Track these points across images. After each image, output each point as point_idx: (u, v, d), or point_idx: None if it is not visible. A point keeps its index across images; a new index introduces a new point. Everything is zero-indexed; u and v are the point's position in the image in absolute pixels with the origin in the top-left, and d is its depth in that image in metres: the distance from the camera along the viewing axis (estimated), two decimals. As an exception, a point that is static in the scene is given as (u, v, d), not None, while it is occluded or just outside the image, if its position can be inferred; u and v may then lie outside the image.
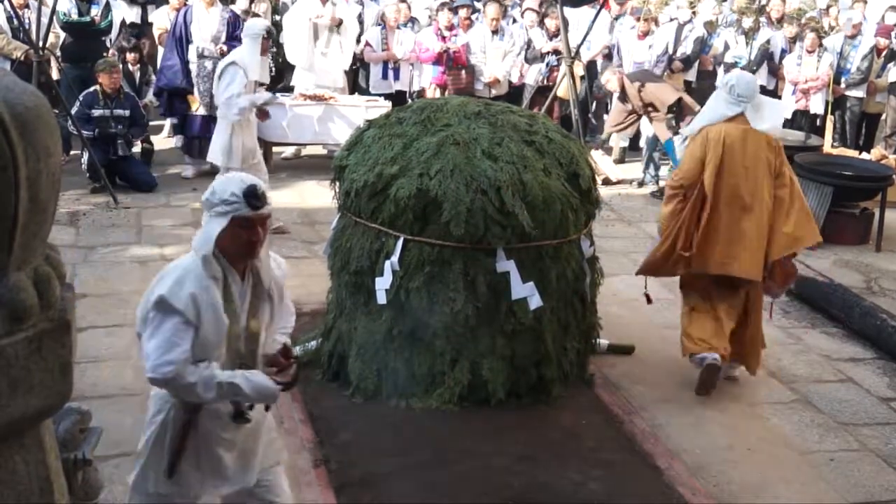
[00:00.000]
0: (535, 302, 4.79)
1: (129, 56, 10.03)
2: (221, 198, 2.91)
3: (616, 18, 11.54)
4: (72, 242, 7.19)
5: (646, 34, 10.61)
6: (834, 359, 6.01)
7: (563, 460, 4.51)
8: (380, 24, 10.39)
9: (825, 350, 6.14)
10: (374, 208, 4.86)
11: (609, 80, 9.77)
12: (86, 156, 8.47)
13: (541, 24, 10.89)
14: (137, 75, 10.09)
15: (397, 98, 10.10)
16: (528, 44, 10.65)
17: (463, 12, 10.44)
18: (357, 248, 4.93)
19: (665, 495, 4.31)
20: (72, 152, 9.16)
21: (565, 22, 9.55)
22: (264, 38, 7.12)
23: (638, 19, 10.87)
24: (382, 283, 4.81)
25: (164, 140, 10.30)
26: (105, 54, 9.44)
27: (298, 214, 8.18)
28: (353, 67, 10.58)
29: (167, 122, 10.41)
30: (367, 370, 4.92)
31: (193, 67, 8.98)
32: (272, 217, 3.09)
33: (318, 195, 7.96)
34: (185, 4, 9.65)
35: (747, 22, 11.38)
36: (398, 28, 10.40)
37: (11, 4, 8.68)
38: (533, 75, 10.64)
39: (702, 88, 10.67)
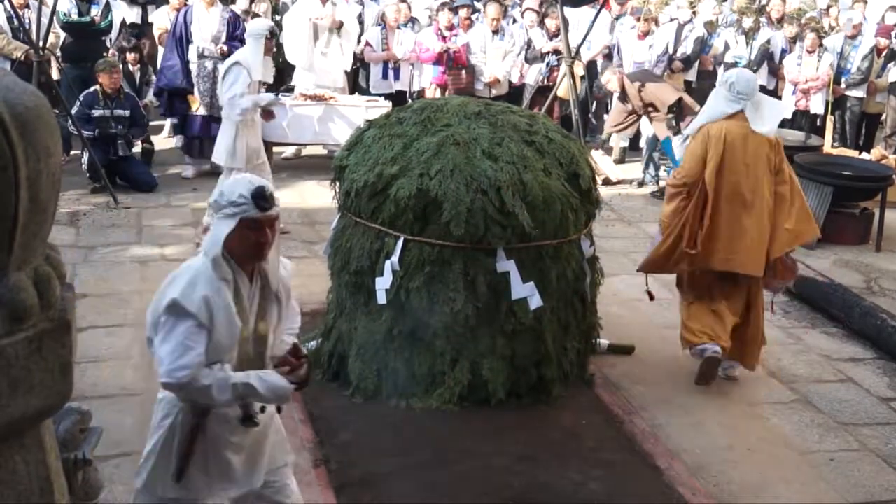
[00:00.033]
0: (535, 302, 4.79)
1: (129, 56, 10.03)
2: (229, 199, 2.89)
3: (617, 18, 11.54)
4: (72, 242, 7.19)
5: (646, 34, 10.61)
6: (834, 359, 6.01)
7: (563, 460, 4.51)
8: (380, 24, 10.39)
9: (825, 350, 6.14)
10: (374, 208, 4.86)
11: (609, 80, 9.77)
12: (86, 156, 8.47)
13: (541, 24, 10.89)
14: (137, 75, 10.09)
15: (397, 98, 10.10)
16: (529, 44, 10.65)
17: (463, 12, 10.44)
18: (357, 248, 4.93)
19: (665, 495, 4.31)
20: (72, 152, 9.16)
21: (565, 22, 9.55)
22: (268, 38, 7.12)
23: (638, 19, 10.87)
24: (382, 283, 4.81)
25: (165, 140, 10.30)
26: (105, 54, 9.44)
27: (298, 214, 8.18)
28: (354, 67, 10.59)
29: (167, 122, 10.42)
30: (367, 370, 4.92)
31: (194, 67, 8.98)
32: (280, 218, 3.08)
33: (318, 195, 7.96)
34: (186, 4, 9.65)
35: (747, 22, 11.38)
36: (398, 28, 10.40)
37: (11, 4, 8.68)
38: (533, 75, 10.64)
39: (702, 88, 10.66)
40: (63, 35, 9.51)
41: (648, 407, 5.16)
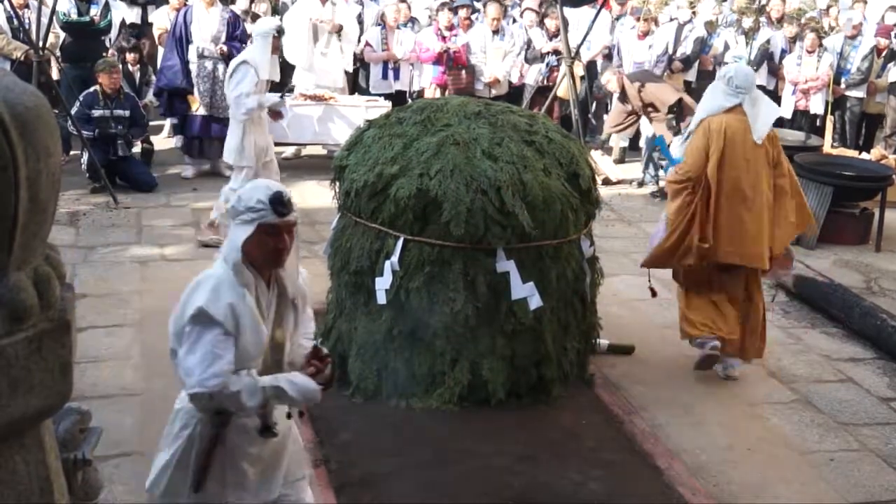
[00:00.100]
0: (535, 302, 4.79)
1: (129, 56, 10.03)
2: (247, 205, 2.87)
3: (617, 19, 11.55)
4: (72, 242, 7.19)
5: (646, 34, 10.61)
6: (834, 359, 6.01)
7: (563, 460, 4.51)
8: (379, 24, 10.39)
9: (825, 350, 6.14)
10: (374, 208, 4.86)
11: (609, 80, 9.77)
12: (86, 156, 8.47)
13: (541, 24, 10.90)
14: (137, 75, 10.09)
15: (397, 98, 10.10)
16: (528, 44, 10.65)
17: (463, 12, 10.45)
18: (357, 248, 4.93)
19: (665, 495, 4.31)
20: (72, 152, 9.16)
21: (565, 22, 9.55)
22: (275, 36, 7.14)
23: (638, 19, 10.87)
24: (382, 283, 4.81)
25: (164, 140, 10.31)
26: (105, 54, 9.44)
27: (299, 214, 8.15)
28: (354, 67, 10.58)
29: (167, 123, 10.42)
30: (367, 370, 4.92)
31: (193, 67, 8.98)
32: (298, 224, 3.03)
33: (318, 195, 7.96)
34: (185, 4, 9.65)
35: (747, 22, 11.38)
36: (398, 28, 10.40)
37: (11, 4, 8.68)
38: (533, 75, 10.64)
39: (702, 88, 10.58)
40: (63, 35, 9.51)
41: (648, 407, 5.16)
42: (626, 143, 11.01)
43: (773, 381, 5.62)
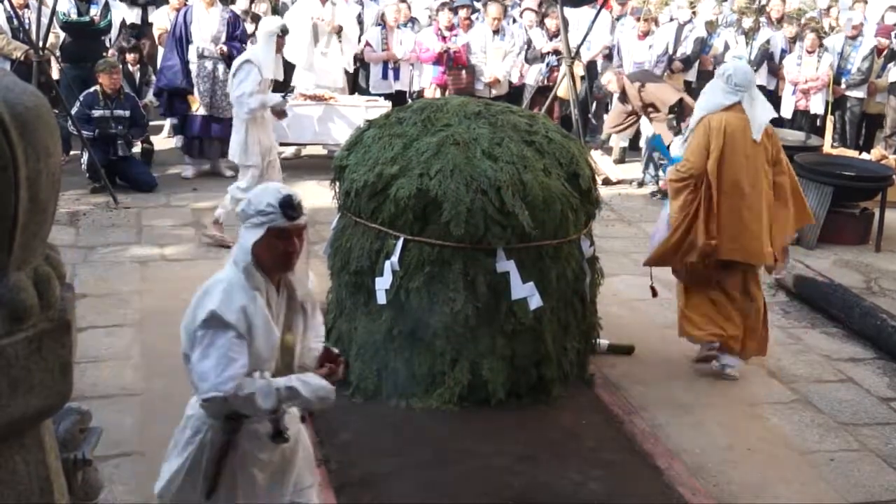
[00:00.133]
0: (535, 302, 4.79)
1: (129, 56, 10.03)
2: (257, 208, 2.85)
3: (617, 19, 11.55)
4: (72, 242, 7.19)
5: (646, 34, 10.61)
6: (834, 359, 6.01)
7: (563, 460, 4.51)
8: (380, 24, 10.39)
9: (825, 350, 6.14)
10: (374, 208, 4.86)
11: (610, 80, 9.77)
12: (86, 156, 8.47)
13: (541, 24, 10.90)
14: (137, 76, 10.10)
15: (397, 98, 10.10)
16: (529, 44, 10.65)
17: (463, 12, 10.45)
18: (357, 248, 4.93)
19: (665, 495, 4.30)
20: (72, 152, 9.16)
21: (565, 22, 9.55)
22: (279, 35, 7.14)
23: (638, 19, 10.86)
24: (382, 283, 4.81)
25: (164, 140, 10.31)
26: (105, 54, 9.44)
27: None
28: (354, 67, 10.58)
29: (167, 123, 10.42)
30: (367, 370, 4.92)
31: (193, 68, 8.98)
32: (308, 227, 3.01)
33: (318, 195, 7.92)
34: (185, 4, 9.65)
35: (747, 22, 11.37)
36: (398, 28, 10.40)
37: (11, 4, 8.68)
38: (533, 75, 10.64)
39: (702, 88, 10.63)
40: (63, 35, 9.51)
41: (648, 407, 5.16)
42: (626, 143, 11.01)
43: (773, 381, 5.63)
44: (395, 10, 10.34)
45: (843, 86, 10.82)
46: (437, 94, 10.00)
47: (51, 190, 1.69)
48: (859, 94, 10.92)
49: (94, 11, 9.60)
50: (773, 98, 10.70)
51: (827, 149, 10.02)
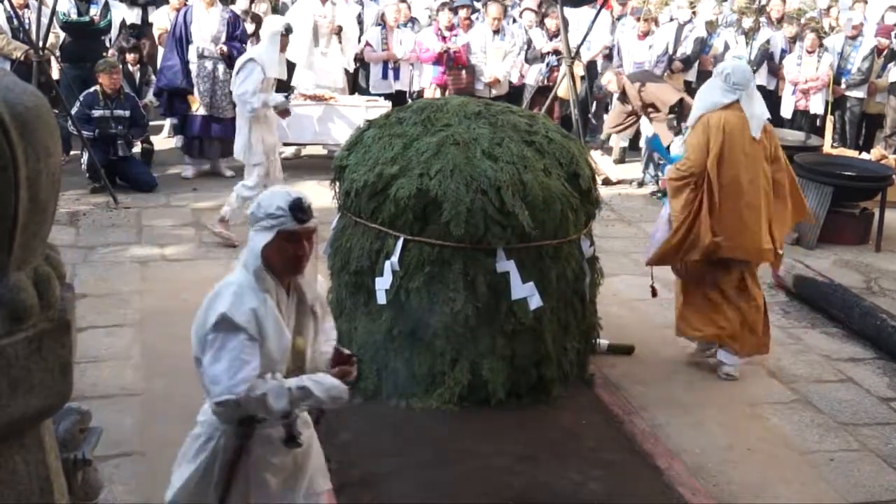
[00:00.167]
0: (535, 302, 4.79)
1: (129, 56, 10.04)
2: (267, 212, 2.85)
3: (618, 19, 11.55)
4: (72, 242, 7.19)
5: (646, 34, 10.61)
6: (834, 359, 6.01)
7: (563, 460, 4.51)
8: (380, 24, 10.39)
9: (825, 350, 6.14)
10: (374, 208, 4.86)
11: (610, 80, 9.77)
12: (86, 156, 8.47)
13: (541, 24, 10.90)
14: (137, 75, 10.10)
15: (397, 98, 10.10)
16: (529, 44, 10.65)
17: (463, 12, 10.45)
18: (357, 248, 4.93)
19: (665, 495, 4.30)
20: (72, 152, 9.17)
21: (565, 22, 9.56)
22: (283, 35, 7.15)
23: (638, 19, 10.87)
24: (382, 283, 4.81)
25: (164, 140, 10.31)
26: (105, 54, 9.44)
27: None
28: (354, 67, 10.58)
29: (167, 123, 10.43)
30: (367, 370, 4.91)
31: (193, 67, 8.98)
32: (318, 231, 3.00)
33: (318, 195, 7.89)
34: (185, 4, 9.65)
35: (747, 22, 11.38)
36: (398, 28, 10.40)
37: (11, 4, 8.68)
38: (533, 75, 10.64)
39: (702, 88, 10.65)
40: (62, 35, 9.51)
41: (648, 407, 5.16)
42: (626, 143, 11.01)
43: (773, 381, 5.63)
44: (395, 10, 10.35)
45: (843, 86, 10.82)
46: (437, 94, 10.00)
47: (51, 190, 1.69)
48: (859, 94, 10.92)
49: (94, 11, 9.60)
50: (773, 98, 10.71)
51: (827, 149, 10.02)
